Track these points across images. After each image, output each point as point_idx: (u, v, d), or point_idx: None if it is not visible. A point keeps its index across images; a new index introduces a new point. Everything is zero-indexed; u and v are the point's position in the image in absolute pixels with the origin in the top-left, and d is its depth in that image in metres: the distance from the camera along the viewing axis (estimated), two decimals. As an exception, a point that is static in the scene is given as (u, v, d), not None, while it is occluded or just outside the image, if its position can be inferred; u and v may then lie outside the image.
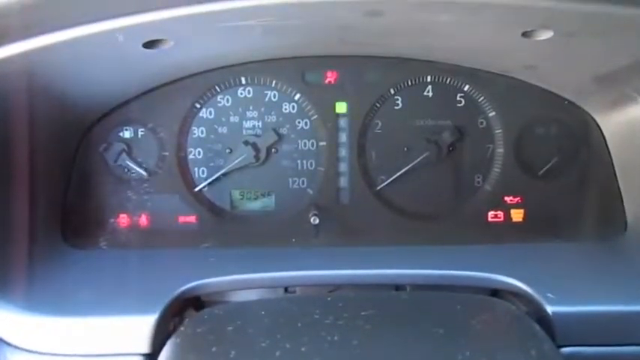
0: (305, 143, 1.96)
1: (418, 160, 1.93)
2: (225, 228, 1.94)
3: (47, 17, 1.24)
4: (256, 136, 1.94)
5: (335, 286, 1.61)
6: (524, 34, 1.45)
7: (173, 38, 1.46)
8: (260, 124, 1.94)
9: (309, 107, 1.94)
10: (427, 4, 1.28)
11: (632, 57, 1.51)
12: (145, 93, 1.88)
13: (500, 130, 1.95)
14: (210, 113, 1.94)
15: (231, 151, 1.93)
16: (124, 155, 1.90)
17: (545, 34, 1.43)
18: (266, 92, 1.94)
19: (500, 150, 1.96)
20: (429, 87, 1.95)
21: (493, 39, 1.58)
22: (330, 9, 1.35)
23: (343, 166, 1.96)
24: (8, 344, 1.33)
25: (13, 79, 1.42)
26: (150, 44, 1.46)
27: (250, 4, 1.25)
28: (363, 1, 1.28)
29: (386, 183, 1.96)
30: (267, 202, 1.97)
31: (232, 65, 1.89)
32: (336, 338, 1.16)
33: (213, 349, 1.16)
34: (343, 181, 1.96)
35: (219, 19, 1.35)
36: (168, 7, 1.25)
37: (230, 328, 1.23)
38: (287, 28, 1.55)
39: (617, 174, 1.88)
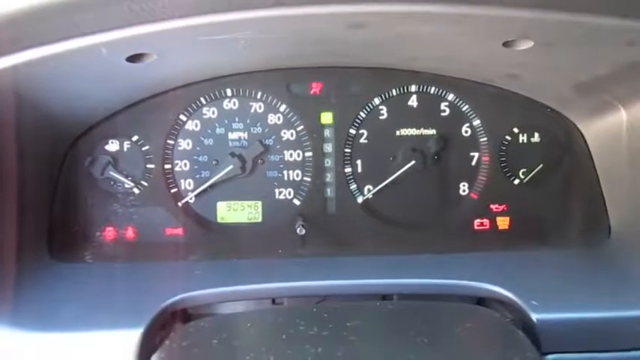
0: (291, 154, 1.96)
1: (404, 169, 1.94)
2: (211, 240, 1.93)
3: (33, 31, 1.25)
4: (242, 147, 1.94)
5: (322, 297, 1.61)
6: (505, 44, 1.47)
7: (156, 52, 1.47)
8: (246, 135, 1.95)
9: (294, 118, 1.95)
10: (407, 15, 1.29)
11: (611, 66, 1.53)
12: (130, 106, 1.88)
13: (485, 139, 1.97)
14: (196, 125, 1.94)
15: (218, 162, 1.94)
16: (109, 168, 1.90)
17: (526, 44, 1.45)
18: (251, 104, 1.95)
19: (486, 158, 1.98)
20: (414, 96, 1.96)
21: (475, 49, 1.60)
22: (312, 22, 1.36)
23: (329, 176, 1.97)
24: (-7, 360, 1.33)
25: (-1, 93, 1.43)
26: (133, 58, 1.47)
27: (232, 18, 1.25)
28: (345, 14, 1.29)
29: (372, 192, 1.97)
30: (254, 213, 1.97)
31: (217, 77, 1.90)
32: (320, 350, 1.16)
33: (198, 362, 1.16)
34: (329, 191, 1.97)
35: (201, 33, 1.36)
36: (150, 22, 1.25)
37: (215, 341, 1.23)
38: (271, 41, 1.55)
39: (601, 180, 1.89)
